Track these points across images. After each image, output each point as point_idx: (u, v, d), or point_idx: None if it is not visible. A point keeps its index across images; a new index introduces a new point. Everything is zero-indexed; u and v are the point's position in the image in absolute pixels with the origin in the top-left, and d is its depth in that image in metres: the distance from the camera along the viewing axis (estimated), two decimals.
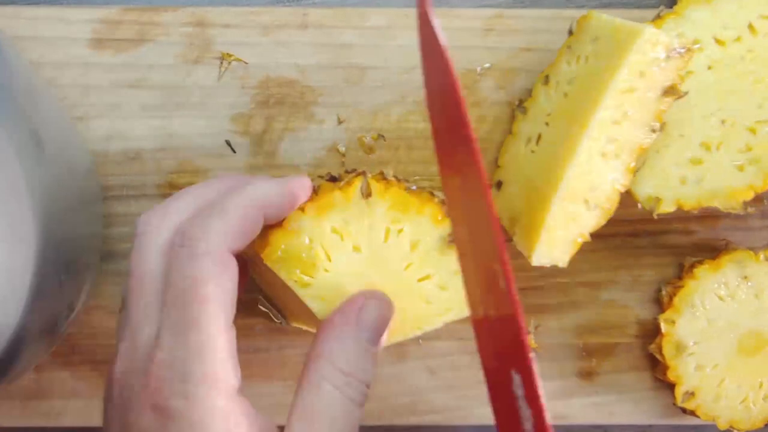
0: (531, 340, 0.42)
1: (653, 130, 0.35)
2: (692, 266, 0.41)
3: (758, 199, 0.38)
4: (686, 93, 0.36)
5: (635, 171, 0.36)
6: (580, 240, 0.36)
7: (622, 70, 0.34)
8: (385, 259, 0.33)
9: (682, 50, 0.33)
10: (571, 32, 0.40)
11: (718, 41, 0.38)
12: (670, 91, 0.34)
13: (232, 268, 0.28)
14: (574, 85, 0.37)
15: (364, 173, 0.33)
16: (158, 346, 0.27)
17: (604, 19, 0.37)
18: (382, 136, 0.42)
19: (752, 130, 0.37)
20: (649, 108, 0.35)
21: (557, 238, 0.36)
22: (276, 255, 0.32)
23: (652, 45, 0.33)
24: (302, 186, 0.32)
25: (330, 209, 0.32)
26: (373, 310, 0.31)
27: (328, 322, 0.31)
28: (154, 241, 0.29)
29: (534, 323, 0.42)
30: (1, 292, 0.28)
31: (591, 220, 0.36)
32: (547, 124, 0.38)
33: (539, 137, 0.38)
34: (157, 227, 0.30)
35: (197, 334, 0.26)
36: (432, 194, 0.34)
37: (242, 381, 0.27)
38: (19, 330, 0.29)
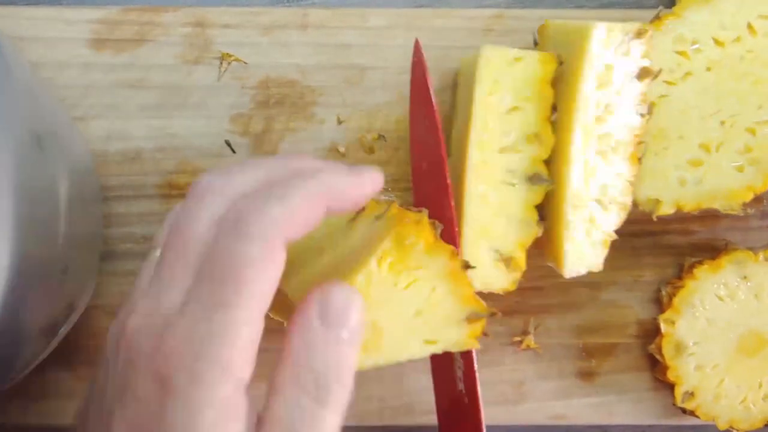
0: (531, 340, 0.42)
1: (642, 114, 0.35)
2: (692, 266, 0.41)
3: (758, 199, 0.38)
4: (660, 71, 0.36)
5: (639, 158, 0.36)
6: (608, 240, 0.36)
7: (585, 76, 0.34)
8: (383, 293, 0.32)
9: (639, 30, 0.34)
10: (535, 43, 0.40)
11: (717, 42, 0.38)
12: (645, 74, 0.35)
13: (279, 259, 0.26)
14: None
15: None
16: (182, 314, 0.25)
17: (558, 24, 0.37)
18: (383, 136, 0.42)
19: (751, 131, 0.37)
20: (630, 95, 0.35)
21: (583, 245, 0.36)
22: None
23: (605, 44, 0.34)
24: (374, 180, 0.30)
25: None
26: (354, 312, 0.28)
27: (306, 326, 0.28)
28: (210, 207, 0.27)
29: (534, 323, 0.42)
30: None
31: (611, 218, 0.36)
32: None
33: None
34: (216, 195, 0.28)
35: (224, 315, 0.24)
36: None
37: None
38: (20, 330, 0.29)
